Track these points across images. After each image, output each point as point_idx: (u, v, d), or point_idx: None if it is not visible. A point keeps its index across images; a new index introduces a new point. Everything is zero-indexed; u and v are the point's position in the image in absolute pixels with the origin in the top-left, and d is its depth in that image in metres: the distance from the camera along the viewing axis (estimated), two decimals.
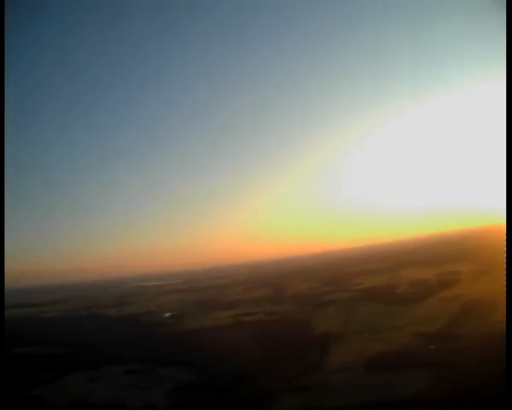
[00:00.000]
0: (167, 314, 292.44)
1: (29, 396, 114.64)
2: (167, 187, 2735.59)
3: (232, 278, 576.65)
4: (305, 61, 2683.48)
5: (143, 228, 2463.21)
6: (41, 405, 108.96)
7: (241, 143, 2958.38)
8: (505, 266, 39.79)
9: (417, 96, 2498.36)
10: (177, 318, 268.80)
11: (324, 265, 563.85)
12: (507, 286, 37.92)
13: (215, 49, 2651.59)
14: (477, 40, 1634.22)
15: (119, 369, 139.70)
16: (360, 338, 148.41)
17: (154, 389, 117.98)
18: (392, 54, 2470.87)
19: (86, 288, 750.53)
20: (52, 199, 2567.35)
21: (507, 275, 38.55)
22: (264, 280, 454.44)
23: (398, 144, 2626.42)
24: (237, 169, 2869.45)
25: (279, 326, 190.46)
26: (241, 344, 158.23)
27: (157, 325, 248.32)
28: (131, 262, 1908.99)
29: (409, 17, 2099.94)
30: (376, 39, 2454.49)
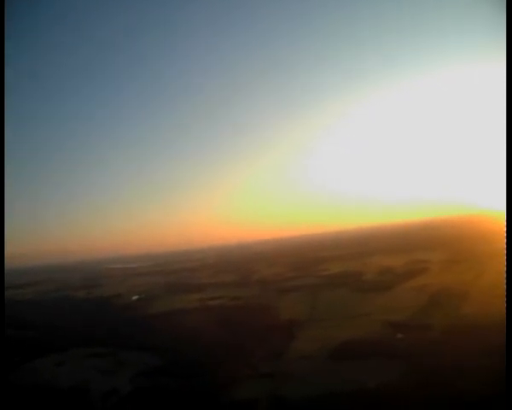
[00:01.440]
0: (135, 297, 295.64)
1: None
2: (141, 171, 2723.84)
3: (202, 261, 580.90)
4: (286, 41, 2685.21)
5: (117, 211, 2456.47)
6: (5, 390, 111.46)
7: (214, 127, 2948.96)
8: (505, 267, 38.09)
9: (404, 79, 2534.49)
10: (145, 300, 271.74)
11: (291, 250, 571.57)
12: (507, 286, 37.17)
13: (198, 30, 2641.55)
14: (476, 30, 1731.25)
15: (85, 352, 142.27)
16: (325, 325, 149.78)
17: (119, 374, 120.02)
18: (389, 40, 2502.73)
19: (58, 270, 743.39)
20: (26, 179, 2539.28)
21: (507, 274, 37.74)
22: (231, 264, 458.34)
23: (373, 130, 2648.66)
24: (210, 155, 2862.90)
25: (244, 311, 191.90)
26: (206, 329, 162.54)
27: (125, 307, 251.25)
28: (104, 244, 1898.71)
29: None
30: (375, 22, 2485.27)
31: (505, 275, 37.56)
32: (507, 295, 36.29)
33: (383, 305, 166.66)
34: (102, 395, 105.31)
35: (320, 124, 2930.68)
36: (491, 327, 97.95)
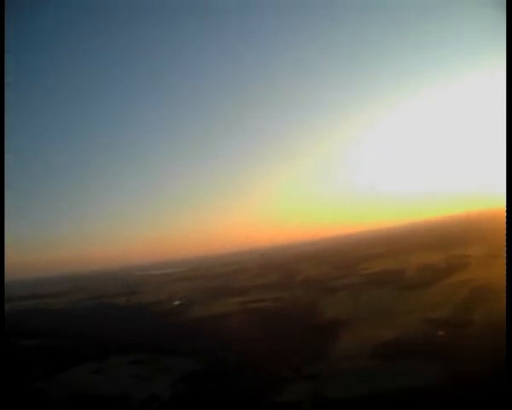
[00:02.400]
0: (176, 303, 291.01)
1: (31, 389, 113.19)
2: (176, 175, 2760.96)
3: (242, 264, 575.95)
4: (316, 52, 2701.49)
5: (153, 216, 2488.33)
6: (43, 398, 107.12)
7: (250, 130, 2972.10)
8: (505, 267, 39.32)
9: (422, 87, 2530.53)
10: (186, 306, 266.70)
11: (333, 250, 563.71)
12: (507, 286, 37.74)
13: (217, 43, 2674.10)
14: (477, 34, 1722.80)
15: (124, 360, 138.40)
16: (368, 324, 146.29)
17: (159, 380, 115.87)
18: (395, 48, 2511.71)
19: (95, 278, 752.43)
20: (56, 190, 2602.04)
21: (507, 274, 38.37)
22: (273, 266, 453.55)
23: (403, 132, 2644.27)
24: (246, 156, 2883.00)
25: (287, 313, 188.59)
26: (249, 332, 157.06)
27: (166, 313, 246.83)
28: (141, 251, 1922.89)
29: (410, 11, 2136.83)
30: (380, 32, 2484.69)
31: (505, 275, 38.29)
32: (507, 295, 37.41)
33: (424, 302, 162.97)
34: (141, 403, 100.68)
35: (358, 126, 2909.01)
36: None
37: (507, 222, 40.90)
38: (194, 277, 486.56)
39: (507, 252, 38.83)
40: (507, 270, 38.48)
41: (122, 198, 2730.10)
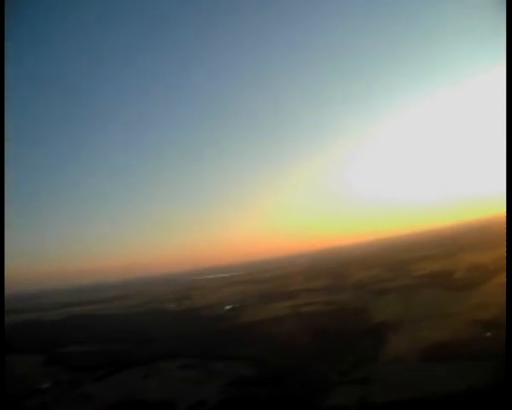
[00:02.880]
0: (227, 307, 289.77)
1: (76, 395, 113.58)
2: (220, 180, 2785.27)
3: (293, 268, 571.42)
4: (307, 56, 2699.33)
5: (202, 222, 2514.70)
6: (88, 402, 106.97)
7: (286, 131, 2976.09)
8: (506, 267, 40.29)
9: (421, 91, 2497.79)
10: (237, 310, 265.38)
11: (382, 252, 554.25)
12: (507, 286, 38.02)
13: (223, 51, 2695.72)
14: (477, 35, 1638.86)
15: (174, 364, 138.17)
16: (416, 327, 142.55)
17: (208, 385, 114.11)
18: (395, 51, 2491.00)
19: (146, 283, 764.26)
20: (100, 197, 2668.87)
21: (507, 274, 38.95)
22: (324, 270, 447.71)
23: (424, 136, 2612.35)
24: (288, 158, 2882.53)
25: (337, 316, 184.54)
26: (298, 336, 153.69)
27: (216, 318, 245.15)
28: (192, 256, 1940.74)
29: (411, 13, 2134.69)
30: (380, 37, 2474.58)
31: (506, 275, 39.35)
32: (507, 295, 37.95)
33: (474, 303, 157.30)
34: (188, 407, 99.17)
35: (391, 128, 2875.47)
36: None
37: (507, 223, 40.52)
38: (246, 281, 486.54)
39: (507, 252, 38.59)
40: (507, 270, 39.02)
41: (170, 205, 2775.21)
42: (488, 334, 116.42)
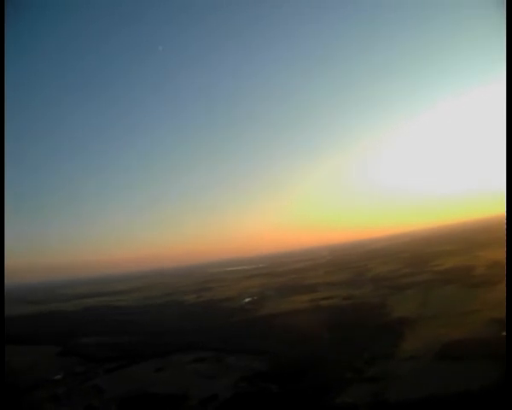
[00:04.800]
0: (247, 300, 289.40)
1: (88, 387, 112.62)
2: (241, 174, 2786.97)
3: (313, 261, 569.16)
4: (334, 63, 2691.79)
5: (222, 213, 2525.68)
6: (99, 395, 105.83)
7: (314, 130, 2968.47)
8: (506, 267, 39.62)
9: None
10: (256, 303, 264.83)
11: (402, 247, 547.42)
12: (507, 286, 37.95)
13: (236, 52, 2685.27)
14: (477, 43, 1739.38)
15: (188, 357, 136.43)
16: (433, 324, 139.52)
17: (221, 378, 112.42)
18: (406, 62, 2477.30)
19: (167, 275, 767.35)
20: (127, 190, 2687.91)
21: (507, 274, 38.68)
22: (343, 263, 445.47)
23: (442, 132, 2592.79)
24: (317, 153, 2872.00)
25: (355, 311, 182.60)
26: (316, 330, 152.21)
27: (235, 310, 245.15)
28: (213, 247, 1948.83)
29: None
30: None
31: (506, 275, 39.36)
32: (507, 295, 37.94)
33: (492, 301, 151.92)
34: (201, 401, 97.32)
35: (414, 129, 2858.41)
36: None
37: (507, 223, 40.32)
38: (265, 274, 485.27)
39: (507, 252, 38.17)
40: (507, 270, 38.51)
41: (186, 198, 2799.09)
42: (504, 333, 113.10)
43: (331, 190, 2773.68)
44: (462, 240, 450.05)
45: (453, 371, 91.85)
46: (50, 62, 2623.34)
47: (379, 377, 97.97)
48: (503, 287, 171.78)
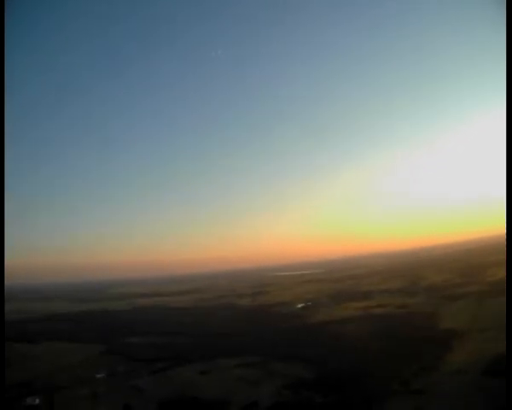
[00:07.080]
0: (300, 305, 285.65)
1: (128, 387, 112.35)
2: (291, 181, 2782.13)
3: (369, 268, 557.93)
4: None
5: (281, 218, 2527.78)
6: (138, 396, 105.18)
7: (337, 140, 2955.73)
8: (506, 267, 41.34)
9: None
10: (309, 309, 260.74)
11: (457, 255, 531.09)
12: (507, 286, 40.06)
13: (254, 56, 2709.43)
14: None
15: (233, 362, 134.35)
16: (483, 337, 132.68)
17: (265, 385, 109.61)
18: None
19: (223, 277, 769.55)
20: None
21: (507, 274, 40.66)
22: (398, 271, 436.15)
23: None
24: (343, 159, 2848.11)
25: (407, 320, 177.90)
26: (366, 340, 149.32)
27: (287, 316, 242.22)
28: (271, 251, 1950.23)
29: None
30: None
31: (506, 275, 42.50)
32: (507, 295, 42.15)
33: None
34: (239, 408, 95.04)
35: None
36: None
37: (507, 224, 41.03)
38: (321, 280, 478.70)
39: (507, 252, 39.97)
40: (507, 270, 40.67)
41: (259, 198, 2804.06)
42: None
43: (389, 198, 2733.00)
44: None
45: (496, 387, 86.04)
46: (51, 62, 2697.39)
47: (424, 390, 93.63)
48: None
